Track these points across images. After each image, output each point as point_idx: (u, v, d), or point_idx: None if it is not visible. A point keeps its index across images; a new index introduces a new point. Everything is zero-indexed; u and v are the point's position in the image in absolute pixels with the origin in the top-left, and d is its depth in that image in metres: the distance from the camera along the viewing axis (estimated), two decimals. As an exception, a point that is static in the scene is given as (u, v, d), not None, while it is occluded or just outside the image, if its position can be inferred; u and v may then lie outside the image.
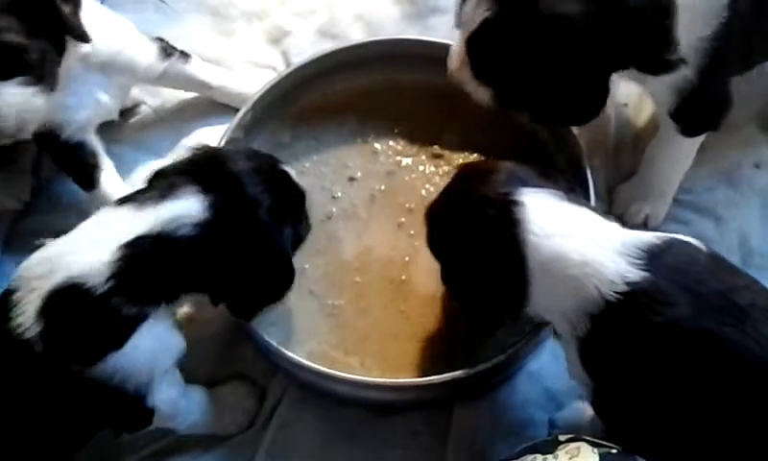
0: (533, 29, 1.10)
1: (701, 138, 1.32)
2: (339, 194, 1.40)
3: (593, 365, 1.01)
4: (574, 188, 1.12)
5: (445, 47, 1.48)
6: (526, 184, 1.06)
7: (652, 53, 1.15)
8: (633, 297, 0.97)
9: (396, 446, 1.23)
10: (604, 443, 0.97)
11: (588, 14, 1.09)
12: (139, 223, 1.01)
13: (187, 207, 1.02)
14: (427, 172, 1.43)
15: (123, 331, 1.00)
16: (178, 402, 1.13)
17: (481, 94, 1.22)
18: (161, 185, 1.06)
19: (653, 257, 0.99)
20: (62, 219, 1.32)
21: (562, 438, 0.99)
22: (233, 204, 1.04)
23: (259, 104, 1.42)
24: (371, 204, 1.41)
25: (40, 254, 1.04)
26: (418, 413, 1.25)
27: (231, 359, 1.31)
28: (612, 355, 0.99)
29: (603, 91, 1.16)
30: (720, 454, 0.98)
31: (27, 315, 0.99)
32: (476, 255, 1.07)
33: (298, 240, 1.19)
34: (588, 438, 0.97)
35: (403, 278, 1.33)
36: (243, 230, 1.05)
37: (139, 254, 1.00)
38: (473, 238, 1.06)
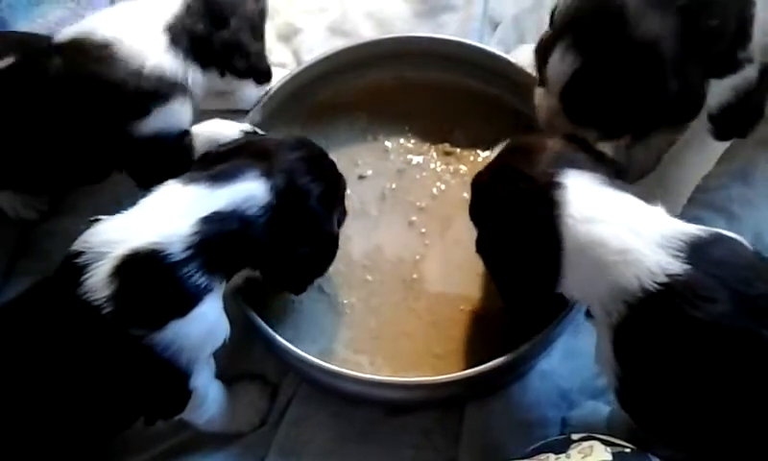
0: (625, 66, 1.09)
1: (729, 143, 1.30)
2: (349, 192, 1.39)
3: (624, 354, 1.00)
4: (623, 171, 1.11)
5: (457, 44, 1.49)
6: (572, 166, 1.05)
7: (728, 51, 1.12)
8: (672, 289, 0.95)
9: (407, 445, 1.23)
10: (617, 442, 0.96)
11: (677, 30, 1.07)
12: (216, 200, 1.07)
13: (256, 189, 1.09)
14: (438, 170, 1.43)
15: (190, 300, 1.03)
16: (209, 389, 1.15)
17: (583, 134, 1.20)
18: (225, 167, 1.11)
19: (696, 250, 0.97)
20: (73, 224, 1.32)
21: (574, 437, 0.98)
22: (288, 192, 1.11)
23: (270, 102, 1.42)
24: (381, 202, 1.41)
25: (109, 224, 1.07)
26: (429, 412, 1.24)
27: (243, 358, 1.30)
28: (645, 346, 0.98)
29: (700, 93, 1.14)
30: (747, 452, 0.97)
31: (97, 278, 1.01)
32: (513, 231, 1.07)
33: (339, 223, 1.25)
34: (600, 437, 0.97)
35: (414, 276, 1.33)
36: (296, 216, 1.12)
37: (216, 228, 1.05)
38: (511, 213, 1.07)
